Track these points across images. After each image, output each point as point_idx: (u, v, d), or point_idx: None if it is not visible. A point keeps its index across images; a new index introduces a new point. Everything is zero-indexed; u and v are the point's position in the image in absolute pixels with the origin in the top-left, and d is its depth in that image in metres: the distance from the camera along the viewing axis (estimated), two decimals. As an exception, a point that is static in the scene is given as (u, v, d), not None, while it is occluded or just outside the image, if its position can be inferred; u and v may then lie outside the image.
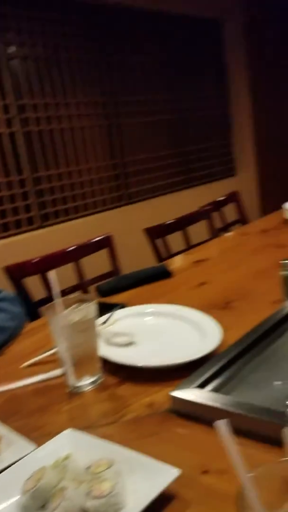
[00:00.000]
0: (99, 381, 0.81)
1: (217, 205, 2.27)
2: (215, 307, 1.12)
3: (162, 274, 1.42)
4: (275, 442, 0.50)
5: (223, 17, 4.32)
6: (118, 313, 1.01)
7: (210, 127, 4.42)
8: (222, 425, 0.37)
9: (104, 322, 0.95)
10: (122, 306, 1.07)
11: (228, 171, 4.68)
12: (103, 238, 1.71)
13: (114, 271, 1.68)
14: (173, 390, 0.70)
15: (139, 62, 3.61)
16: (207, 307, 1.12)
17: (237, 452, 0.38)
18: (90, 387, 0.80)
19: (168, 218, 2.03)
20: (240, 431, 0.61)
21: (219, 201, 2.30)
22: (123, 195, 3.52)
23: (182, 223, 2.01)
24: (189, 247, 1.96)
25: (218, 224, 2.28)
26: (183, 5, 3.84)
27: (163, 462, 0.55)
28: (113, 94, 3.38)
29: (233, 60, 4.54)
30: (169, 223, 1.97)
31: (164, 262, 1.65)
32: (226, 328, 0.95)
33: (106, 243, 1.71)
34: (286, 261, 1.00)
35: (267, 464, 0.45)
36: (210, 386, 0.71)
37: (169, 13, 3.76)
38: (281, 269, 1.01)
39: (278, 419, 0.55)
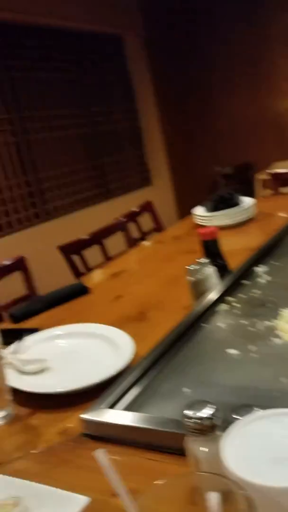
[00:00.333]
0: (9, 415, 0.77)
1: (132, 216, 2.30)
2: (131, 320, 1.12)
3: (78, 291, 1.40)
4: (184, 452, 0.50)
5: (125, 32, 4.44)
6: (29, 339, 0.97)
7: (122, 139, 4.50)
8: (100, 455, 0.37)
9: (14, 351, 0.91)
10: (33, 331, 1.03)
11: (144, 181, 4.78)
12: (14, 261, 1.65)
13: (30, 294, 1.62)
14: (84, 413, 0.69)
15: (46, 78, 3.58)
16: (124, 321, 1.12)
17: (118, 479, 0.37)
18: (0, 422, 0.76)
19: (88, 232, 2.01)
20: (153, 446, 0.62)
21: (134, 211, 2.34)
22: (40, 212, 3.44)
23: (98, 237, 2.01)
24: (108, 260, 1.96)
25: (136, 234, 2.31)
26: (87, 21, 3.88)
27: (72, 492, 0.54)
28: (19, 110, 3.31)
29: (137, 74, 4.68)
30: (85, 238, 1.96)
31: (82, 279, 1.64)
32: (141, 340, 0.96)
33: (18, 265, 1.66)
34: (192, 267, 1.04)
35: (169, 477, 0.45)
36: (122, 404, 0.71)
37: (74, 29, 3.78)
38: (188, 275, 1.04)
39: (183, 429, 0.55)
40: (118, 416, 0.67)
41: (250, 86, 4.54)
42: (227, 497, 0.31)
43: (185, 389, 0.73)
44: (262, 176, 4.30)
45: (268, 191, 3.98)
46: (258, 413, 0.40)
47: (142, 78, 4.74)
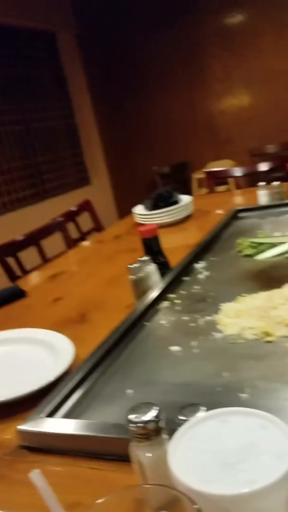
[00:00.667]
0: None
1: (71, 215, 2.24)
2: (71, 322, 1.08)
3: (14, 295, 1.33)
4: (129, 458, 0.48)
5: (57, 29, 4.34)
6: None
7: (58, 137, 4.40)
8: (34, 477, 0.33)
9: None
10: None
11: (81, 180, 4.71)
12: None
13: None
14: (21, 423, 0.64)
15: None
16: (63, 324, 1.08)
17: (55, 502, 0.34)
18: None
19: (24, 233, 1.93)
20: (96, 454, 0.59)
21: (72, 211, 2.28)
22: None
23: (34, 238, 1.93)
24: (45, 261, 1.89)
25: (75, 234, 2.25)
26: (19, 17, 3.75)
27: (9, 511, 0.49)
28: None
29: (71, 71, 4.59)
30: (20, 239, 1.87)
31: (18, 282, 1.56)
32: (82, 342, 0.92)
33: None
34: (133, 265, 1.02)
35: (112, 493, 0.42)
36: (62, 411, 0.67)
37: (5, 25, 3.63)
38: (129, 273, 1.02)
39: (126, 434, 0.53)
40: (57, 424, 0.63)
41: (185, 87, 4.62)
42: (175, 505, 0.29)
43: (129, 391, 0.70)
44: (198, 175, 4.41)
45: (204, 190, 4.09)
46: (205, 413, 0.38)
47: (77, 75, 4.66)
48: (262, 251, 1.18)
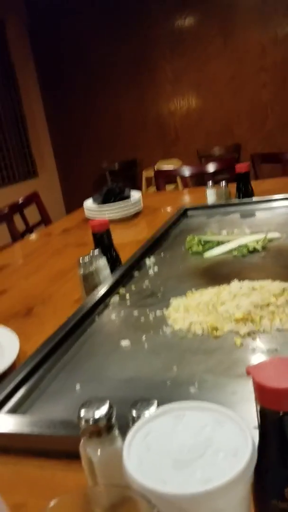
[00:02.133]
0: None
1: (17, 207, 2.17)
2: (16, 316, 1.04)
3: None
4: (77, 456, 0.46)
5: (5, 17, 4.18)
6: None
7: (4, 128, 4.23)
8: None
9: None
10: None
11: (29, 172, 4.57)
12: None
13: None
14: None
15: None
16: (8, 318, 1.04)
17: None
18: None
19: None
20: (41, 451, 0.56)
21: (18, 203, 2.20)
22: None
23: (-23, 229, 1.84)
24: (-11, 254, 1.81)
25: (21, 227, 2.17)
26: None
27: None
28: None
29: (19, 60, 4.44)
30: None
31: None
32: (28, 337, 0.89)
33: None
34: (83, 259, 1.00)
35: (61, 496, 0.40)
36: (6, 408, 0.64)
37: None
38: (79, 267, 1.00)
39: (74, 431, 0.51)
40: (2, 420, 0.60)
41: (134, 86, 4.62)
42: (128, 505, 0.28)
43: (78, 387, 0.69)
44: (147, 173, 4.43)
45: (153, 188, 4.12)
46: (160, 409, 0.37)
47: (25, 65, 4.51)
48: (210, 248, 1.21)
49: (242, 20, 4.18)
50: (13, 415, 0.62)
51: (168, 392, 0.65)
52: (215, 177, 2.64)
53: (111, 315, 0.92)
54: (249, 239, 1.20)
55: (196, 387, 0.64)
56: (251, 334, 0.76)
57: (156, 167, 4.39)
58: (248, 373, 0.36)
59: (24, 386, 0.69)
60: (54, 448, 0.55)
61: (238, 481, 0.30)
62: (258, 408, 0.36)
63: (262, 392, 0.35)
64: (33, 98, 4.64)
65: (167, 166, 4.25)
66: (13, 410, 0.64)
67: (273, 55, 4.16)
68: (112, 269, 1.07)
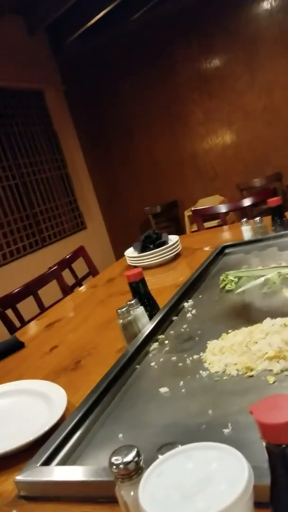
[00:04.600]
0: None
1: (65, 263, 2.31)
2: (65, 370, 1.12)
3: (13, 347, 1.37)
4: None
5: (45, 86, 4.60)
6: None
7: (53, 187, 4.57)
8: None
9: None
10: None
11: (77, 226, 4.83)
12: None
13: None
14: (18, 474, 0.67)
15: None
16: (59, 372, 1.11)
17: None
18: None
19: (22, 284, 1.98)
20: (90, 498, 0.61)
21: (66, 258, 2.35)
22: None
23: (31, 288, 1.99)
24: (43, 310, 1.94)
25: (70, 281, 2.31)
26: (8, 79, 3.99)
27: None
28: None
29: (60, 125, 4.82)
30: (17, 291, 1.93)
31: (16, 333, 1.60)
32: (76, 389, 0.96)
33: None
34: (121, 309, 1.06)
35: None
36: (57, 459, 0.70)
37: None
38: (118, 317, 1.06)
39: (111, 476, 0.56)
40: (51, 472, 0.66)
41: (169, 133, 4.84)
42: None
43: (120, 435, 0.73)
44: (189, 212, 4.52)
45: (195, 226, 4.19)
46: (173, 450, 0.42)
47: (66, 128, 4.89)
48: (243, 285, 1.24)
49: (266, 52, 4.31)
50: (65, 465, 0.68)
51: (203, 436, 0.68)
52: (254, 210, 2.67)
53: (151, 362, 0.97)
54: (281, 271, 1.21)
55: (230, 429, 0.67)
56: (283, 371, 0.78)
57: (197, 205, 4.48)
58: (250, 412, 0.40)
59: (73, 437, 0.75)
60: (99, 493, 0.60)
61: (234, 507, 0.34)
62: (264, 444, 0.40)
63: (263, 429, 0.39)
64: (76, 158, 4.98)
65: (208, 203, 4.33)
66: (64, 460, 0.70)
67: (300, 81, 4.22)
68: (151, 316, 1.13)
